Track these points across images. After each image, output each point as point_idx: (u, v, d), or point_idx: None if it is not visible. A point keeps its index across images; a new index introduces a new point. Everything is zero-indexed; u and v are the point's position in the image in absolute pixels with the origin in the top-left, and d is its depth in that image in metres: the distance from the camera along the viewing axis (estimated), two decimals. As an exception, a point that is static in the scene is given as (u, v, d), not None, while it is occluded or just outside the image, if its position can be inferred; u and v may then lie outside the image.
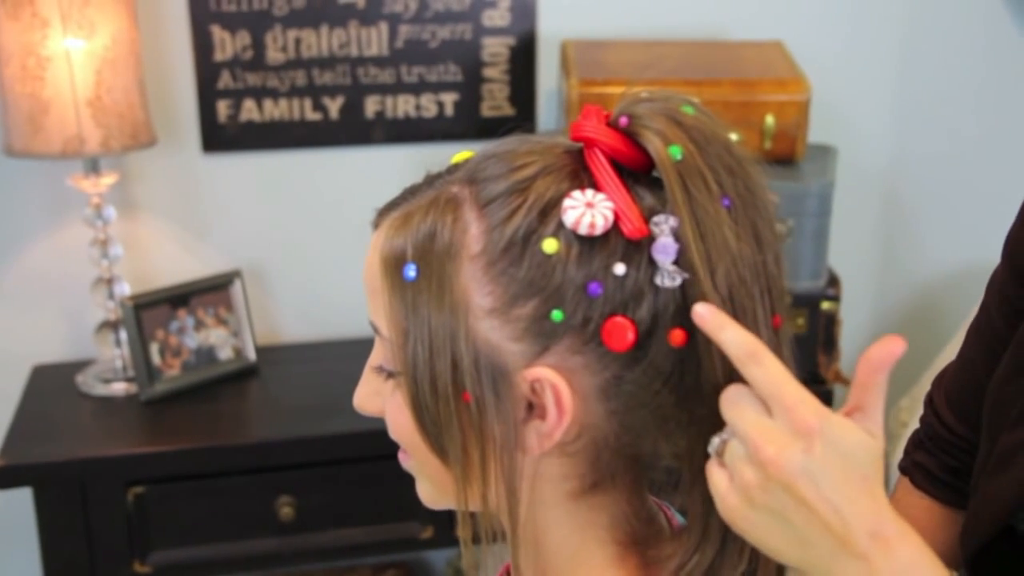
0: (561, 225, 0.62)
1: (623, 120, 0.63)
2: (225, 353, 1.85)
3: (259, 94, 1.92)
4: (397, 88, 1.96)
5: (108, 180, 1.76)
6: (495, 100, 2.01)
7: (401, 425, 0.69)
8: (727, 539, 0.65)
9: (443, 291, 0.64)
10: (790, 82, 1.76)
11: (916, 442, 1.16)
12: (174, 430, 1.71)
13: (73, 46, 1.62)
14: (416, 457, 0.70)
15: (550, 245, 0.62)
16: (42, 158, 1.66)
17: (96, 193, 1.75)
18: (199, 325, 1.82)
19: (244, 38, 1.89)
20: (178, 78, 1.89)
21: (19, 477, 1.62)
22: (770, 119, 1.74)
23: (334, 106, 1.95)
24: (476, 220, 0.64)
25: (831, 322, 1.79)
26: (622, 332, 0.62)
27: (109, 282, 1.79)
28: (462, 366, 0.64)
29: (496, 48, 1.98)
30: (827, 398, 1.82)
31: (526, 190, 0.64)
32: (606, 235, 0.62)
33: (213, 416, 1.75)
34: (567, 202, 0.62)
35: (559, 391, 0.64)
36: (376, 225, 0.70)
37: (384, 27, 1.93)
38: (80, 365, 1.88)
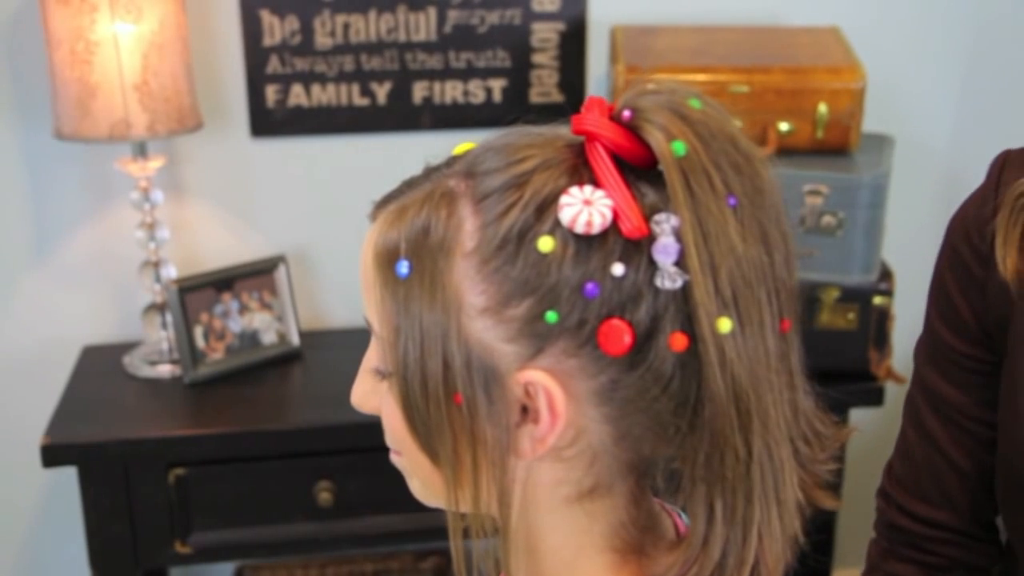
0: (558, 223, 0.60)
1: (626, 114, 0.60)
2: (269, 337, 1.86)
3: (307, 79, 1.92)
4: (445, 74, 1.95)
5: (155, 164, 1.77)
6: (544, 86, 1.98)
7: (393, 426, 0.67)
8: (728, 551, 0.63)
9: (435, 289, 0.62)
10: (844, 69, 1.71)
11: (882, 552, 1.04)
12: (216, 413, 1.72)
13: (121, 31, 1.63)
14: (408, 458, 0.69)
15: (546, 243, 0.60)
16: (90, 142, 1.67)
17: (143, 177, 1.77)
18: (244, 309, 1.83)
19: (293, 23, 1.89)
20: (227, 63, 1.89)
21: (64, 456, 1.64)
22: (823, 108, 1.69)
23: (382, 92, 1.94)
24: (471, 215, 0.62)
25: (883, 317, 1.74)
26: (618, 335, 0.60)
27: (156, 265, 1.81)
28: (454, 367, 0.62)
29: (546, 33, 1.96)
30: (878, 395, 1.77)
31: (523, 185, 0.61)
32: (604, 234, 0.59)
33: (255, 400, 1.76)
34: (564, 199, 0.60)
35: (552, 395, 0.61)
36: (373, 218, 0.68)
37: (432, 12, 1.91)
38: (128, 346, 1.90)
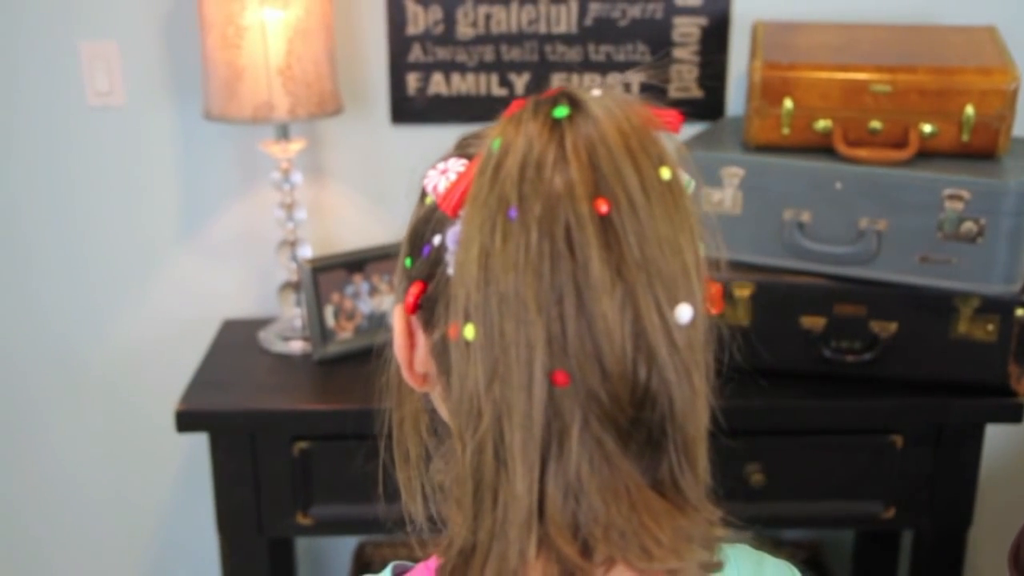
0: None
1: None
2: (397, 320, 1.89)
3: (448, 68, 1.95)
4: (584, 66, 1.95)
5: (296, 146, 1.83)
6: (683, 82, 1.96)
7: None
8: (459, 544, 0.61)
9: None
10: (995, 70, 1.64)
11: None
12: (341, 390, 1.76)
13: (269, 16, 1.69)
14: None
15: (428, 198, 0.66)
16: (235, 123, 1.74)
17: (285, 158, 1.83)
18: (373, 291, 1.88)
19: (436, 13, 1.92)
20: (371, 50, 1.94)
21: (196, 422, 1.71)
22: (970, 110, 1.62)
23: (520, 83, 1.96)
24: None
25: (1027, 331, 1.66)
26: (411, 296, 0.66)
27: (293, 244, 1.87)
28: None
29: (687, 28, 1.94)
30: (1017, 412, 1.69)
31: (462, 147, 0.68)
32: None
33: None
34: (439, 164, 0.65)
35: (399, 327, 0.68)
36: None
37: (574, 4, 1.92)
38: (265, 322, 1.97)
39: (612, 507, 0.58)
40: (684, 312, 0.57)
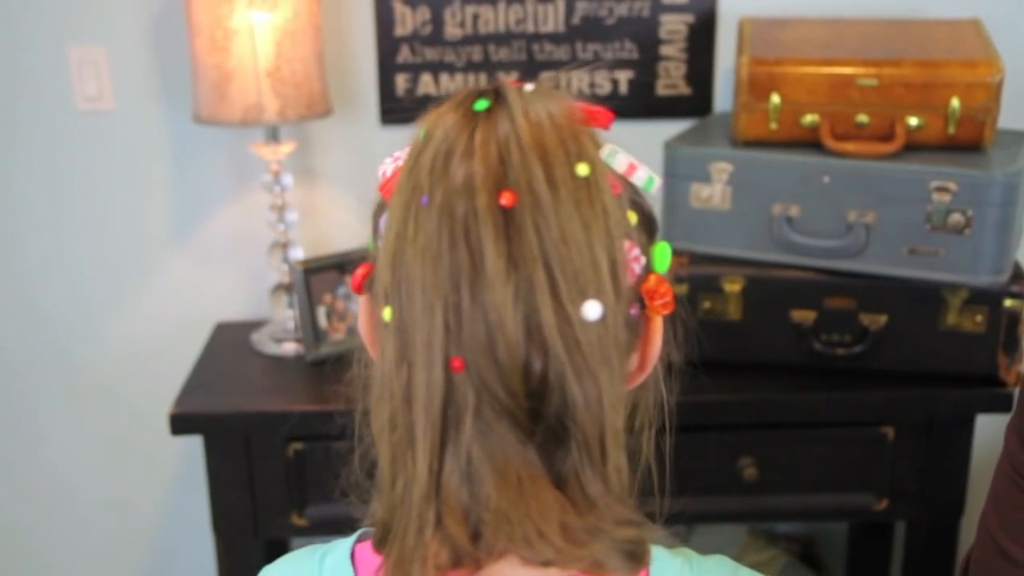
0: None
1: None
2: (390, 320, 1.90)
3: (436, 68, 1.96)
4: (572, 65, 1.96)
5: (286, 148, 1.83)
6: (671, 79, 1.97)
7: None
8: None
9: None
10: (980, 63, 1.65)
11: None
12: (335, 391, 1.76)
13: (257, 19, 1.70)
14: None
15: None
16: (225, 125, 1.75)
17: (275, 160, 1.83)
18: (365, 291, 1.88)
19: (424, 13, 1.93)
20: (360, 52, 1.95)
21: (190, 425, 1.71)
22: (955, 102, 1.63)
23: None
24: None
25: (1015, 321, 1.67)
26: (357, 276, 0.68)
27: (284, 246, 1.87)
28: None
29: (674, 25, 1.94)
30: (1006, 401, 1.70)
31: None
32: None
33: (373, 380, 1.80)
34: (397, 151, 0.66)
35: (363, 307, 0.69)
36: None
37: (561, 3, 1.93)
38: (257, 324, 1.97)
39: (502, 494, 0.58)
40: (591, 309, 0.57)
